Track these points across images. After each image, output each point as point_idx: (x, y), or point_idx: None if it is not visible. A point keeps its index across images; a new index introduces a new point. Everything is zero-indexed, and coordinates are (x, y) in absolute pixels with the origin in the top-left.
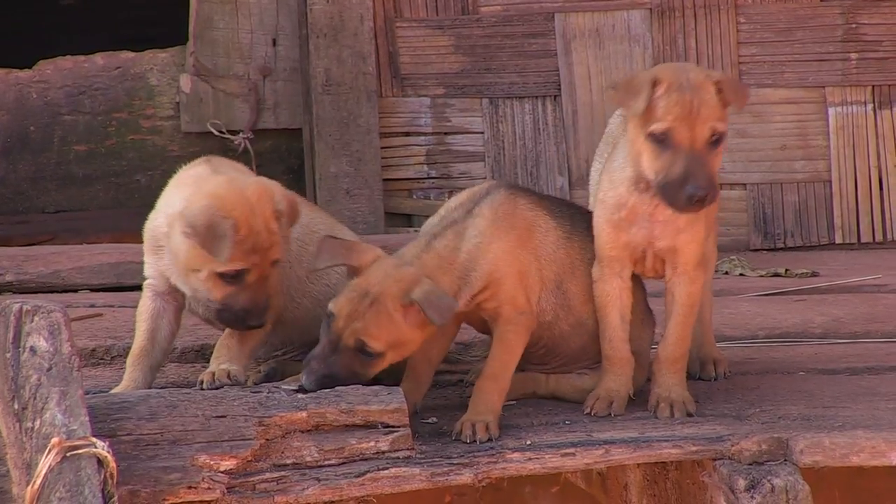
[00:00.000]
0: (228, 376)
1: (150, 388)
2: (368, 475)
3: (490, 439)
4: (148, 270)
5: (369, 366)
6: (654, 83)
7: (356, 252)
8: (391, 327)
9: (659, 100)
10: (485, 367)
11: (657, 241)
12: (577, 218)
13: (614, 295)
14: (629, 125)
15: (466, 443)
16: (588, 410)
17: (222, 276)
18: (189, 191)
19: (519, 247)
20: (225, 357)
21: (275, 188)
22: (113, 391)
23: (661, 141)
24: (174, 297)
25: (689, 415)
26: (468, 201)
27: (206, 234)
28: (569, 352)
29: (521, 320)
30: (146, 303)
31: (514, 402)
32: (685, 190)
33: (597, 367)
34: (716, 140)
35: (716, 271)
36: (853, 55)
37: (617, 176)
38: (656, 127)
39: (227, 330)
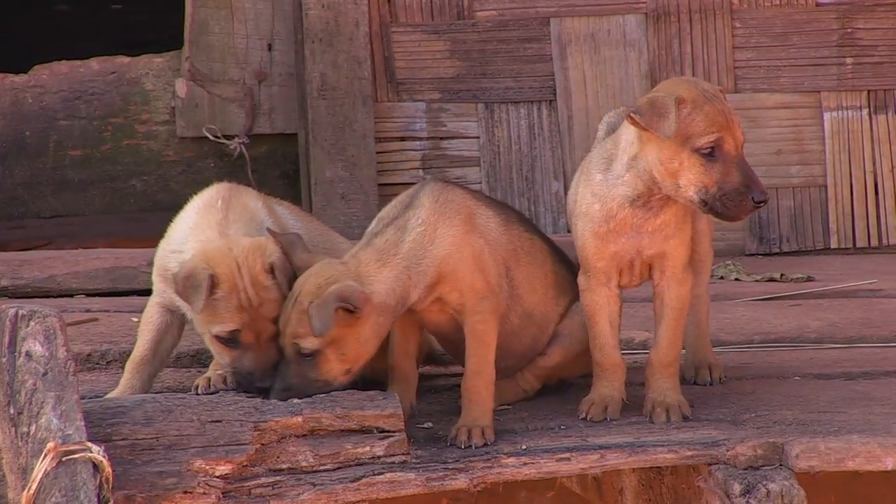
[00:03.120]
0: (224, 382)
1: (150, 386)
2: (364, 480)
3: (486, 444)
4: (156, 291)
5: (317, 368)
6: (679, 102)
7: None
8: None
9: (693, 115)
10: (466, 367)
11: (646, 249)
12: (508, 210)
13: (602, 303)
14: (652, 147)
15: (462, 448)
16: (583, 416)
17: (219, 339)
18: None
19: (467, 231)
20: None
21: (269, 245)
22: (108, 396)
23: (708, 154)
24: (181, 313)
25: (686, 418)
26: (404, 198)
27: (184, 283)
28: (521, 349)
29: (486, 306)
30: (153, 316)
31: (509, 406)
32: (751, 196)
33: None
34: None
35: (711, 276)
36: (849, 60)
37: (603, 191)
38: (706, 140)
39: None
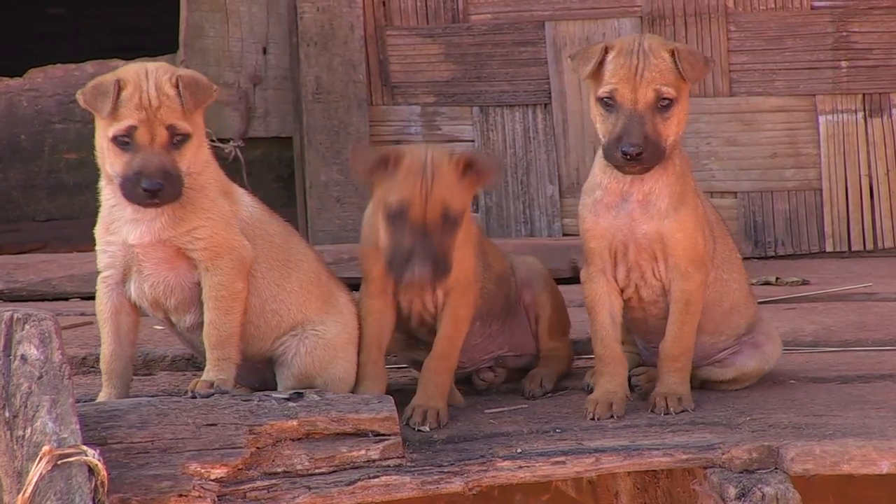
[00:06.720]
0: (212, 386)
1: (128, 389)
2: (359, 483)
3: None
4: (101, 264)
5: (455, 234)
6: (606, 49)
7: (388, 148)
8: (458, 189)
9: (608, 65)
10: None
11: (639, 225)
12: None
13: (603, 293)
14: (591, 97)
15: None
16: (590, 416)
17: (116, 142)
18: None
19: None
20: (214, 363)
21: (181, 69)
22: (98, 400)
23: (607, 104)
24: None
25: (684, 411)
26: None
27: (92, 92)
28: (497, 308)
29: (469, 291)
30: (103, 300)
31: (506, 409)
32: (620, 148)
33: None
34: (665, 104)
35: None
36: (844, 63)
37: (596, 162)
38: (603, 90)
39: (205, 327)
